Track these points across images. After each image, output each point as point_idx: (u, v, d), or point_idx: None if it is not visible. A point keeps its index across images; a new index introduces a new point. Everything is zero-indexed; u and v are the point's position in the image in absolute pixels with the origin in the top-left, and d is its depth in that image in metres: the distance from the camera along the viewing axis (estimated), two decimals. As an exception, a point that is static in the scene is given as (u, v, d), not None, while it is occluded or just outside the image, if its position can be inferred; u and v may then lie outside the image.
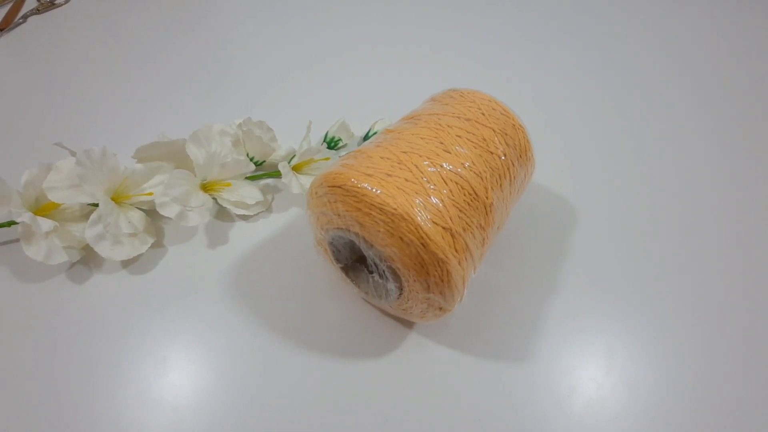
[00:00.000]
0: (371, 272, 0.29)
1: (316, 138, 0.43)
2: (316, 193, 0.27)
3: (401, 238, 0.24)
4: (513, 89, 0.51)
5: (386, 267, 0.26)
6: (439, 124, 0.28)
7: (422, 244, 0.23)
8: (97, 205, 0.33)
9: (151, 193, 0.35)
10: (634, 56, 0.56)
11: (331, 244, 0.29)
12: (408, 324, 0.32)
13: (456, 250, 0.24)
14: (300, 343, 0.31)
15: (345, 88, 0.51)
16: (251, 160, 0.39)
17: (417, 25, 0.60)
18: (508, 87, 0.51)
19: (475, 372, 0.30)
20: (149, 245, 0.35)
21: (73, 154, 0.34)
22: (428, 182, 0.25)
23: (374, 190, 0.24)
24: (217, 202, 0.37)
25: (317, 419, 0.28)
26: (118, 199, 0.35)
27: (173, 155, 0.37)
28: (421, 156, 0.26)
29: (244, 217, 0.38)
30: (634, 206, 0.39)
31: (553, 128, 0.46)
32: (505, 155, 0.28)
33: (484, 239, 0.27)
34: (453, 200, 0.25)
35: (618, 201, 0.40)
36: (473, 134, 0.28)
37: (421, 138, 0.27)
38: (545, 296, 0.33)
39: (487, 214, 0.26)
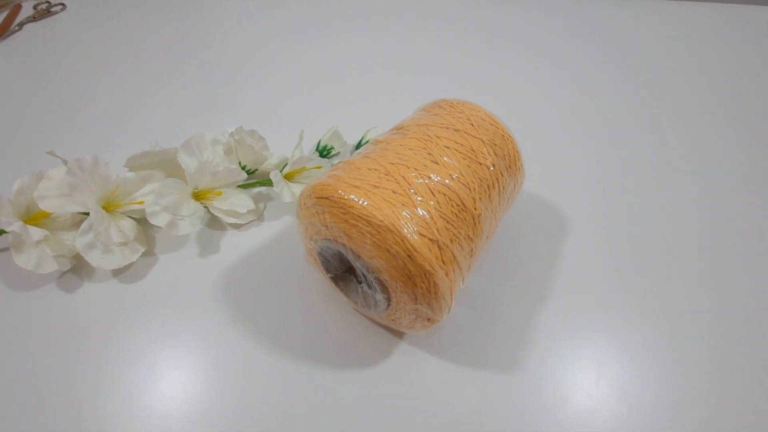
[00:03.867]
0: (360, 283, 0.29)
1: (309, 146, 0.44)
2: (304, 203, 0.27)
3: (388, 249, 0.24)
4: (503, 100, 0.51)
5: (374, 278, 0.26)
6: (428, 135, 0.28)
7: (408, 255, 0.23)
8: (88, 213, 0.33)
9: (142, 202, 0.35)
10: (624, 65, 0.56)
11: (320, 254, 0.29)
12: (398, 333, 0.32)
13: (443, 262, 0.24)
14: (290, 352, 0.31)
15: (337, 97, 0.51)
16: (243, 168, 0.39)
17: (409, 35, 0.61)
18: (498, 97, 0.51)
19: (464, 381, 0.30)
20: (140, 254, 0.35)
21: (64, 162, 0.34)
22: (415, 194, 0.25)
23: (361, 201, 0.24)
24: (208, 211, 0.37)
25: (306, 428, 0.28)
26: (109, 207, 0.35)
27: (165, 164, 0.37)
28: (408, 167, 0.26)
29: (236, 226, 0.38)
30: (624, 215, 0.39)
31: (543, 138, 0.46)
32: (493, 166, 0.29)
33: (472, 250, 0.27)
34: (440, 212, 0.25)
35: (608, 210, 0.40)
36: (462, 145, 0.28)
37: (409, 149, 0.27)
38: (535, 305, 0.33)
39: (475, 224, 0.26)
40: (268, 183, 0.39)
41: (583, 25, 0.63)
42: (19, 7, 0.64)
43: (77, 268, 0.35)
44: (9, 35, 0.59)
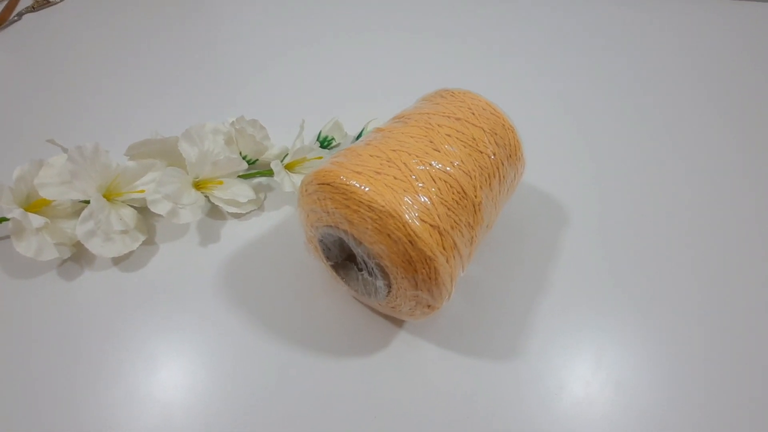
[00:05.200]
0: (360, 270, 0.29)
1: (310, 137, 0.44)
2: (306, 190, 0.27)
3: (389, 235, 0.24)
4: (504, 89, 0.51)
5: (375, 264, 0.26)
6: (429, 123, 0.28)
7: (410, 241, 0.23)
8: (88, 201, 0.33)
9: (143, 191, 0.35)
10: (624, 56, 0.56)
11: (321, 241, 0.29)
12: (397, 322, 0.32)
13: (444, 248, 0.24)
14: (290, 340, 0.31)
15: (338, 88, 0.51)
16: (244, 158, 0.39)
17: (410, 26, 0.61)
18: (499, 87, 0.51)
19: (463, 370, 0.30)
20: (140, 242, 0.35)
21: (65, 150, 0.34)
22: (417, 180, 0.25)
23: (363, 187, 0.24)
24: (209, 200, 0.37)
25: (307, 417, 0.28)
26: (109, 196, 0.35)
27: (166, 153, 0.37)
28: (410, 154, 0.26)
29: (236, 215, 0.38)
30: (624, 206, 0.40)
31: (543, 128, 0.46)
32: (494, 154, 0.29)
33: (472, 237, 0.27)
34: (441, 198, 0.25)
35: (608, 200, 0.40)
36: (463, 133, 0.28)
37: (411, 137, 0.27)
38: (534, 295, 0.34)
39: (475, 212, 0.27)
40: (269, 173, 0.39)
41: (585, 18, 0.63)
42: (18, -3, 0.64)
43: (77, 256, 0.35)
44: (8, 25, 0.59)
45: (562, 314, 0.33)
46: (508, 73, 0.54)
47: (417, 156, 0.26)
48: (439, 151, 0.27)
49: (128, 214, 0.35)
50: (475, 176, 0.27)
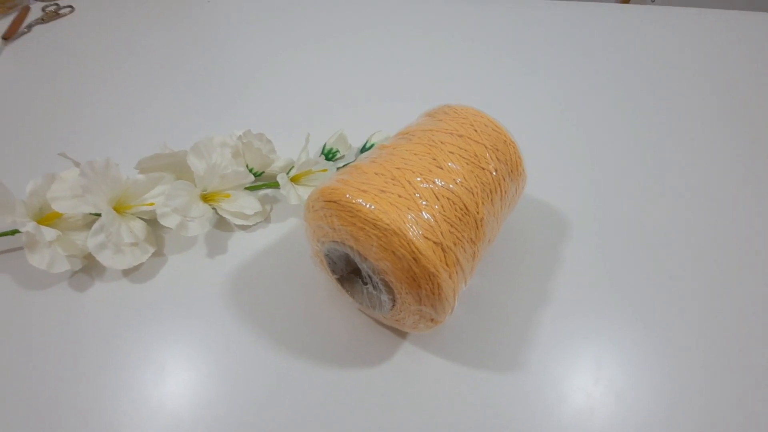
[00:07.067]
0: (366, 284, 0.29)
1: (315, 149, 0.44)
2: (312, 206, 0.28)
3: (394, 252, 0.24)
4: (506, 104, 0.52)
5: (380, 279, 0.27)
6: (432, 141, 0.29)
7: (414, 258, 0.24)
8: (99, 214, 0.34)
9: (152, 203, 0.36)
10: (624, 70, 0.57)
11: (327, 255, 0.30)
12: (401, 334, 0.33)
13: (447, 264, 0.25)
14: (296, 351, 0.32)
15: (343, 101, 0.52)
16: (250, 171, 0.40)
17: (414, 41, 0.61)
18: (501, 102, 0.52)
19: (466, 382, 0.30)
20: (150, 254, 0.35)
21: (76, 164, 0.35)
22: (420, 198, 0.25)
23: (368, 205, 0.25)
24: (216, 213, 0.38)
25: (311, 427, 0.28)
26: (120, 209, 0.35)
27: (175, 166, 0.37)
28: (414, 172, 0.27)
29: (243, 227, 0.39)
30: (623, 219, 0.40)
31: (544, 141, 0.47)
32: (496, 170, 0.29)
33: (474, 253, 0.27)
34: (444, 215, 0.25)
35: (608, 213, 0.40)
36: (465, 150, 0.29)
37: (415, 154, 0.28)
38: (536, 307, 0.34)
39: (477, 228, 0.27)
40: (275, 185, 0.40)
41: (587, 31, 0.63)
42: (27, 8, 0.65)
43: (88, 268, 0.36)
44: (18, 37, 0.60)
45: (564, 326, 0.33)
46: (510, 87, 0.54)
47: (421, 174, 0.26)
48: (442, 169, 0.27)
49: (138, 227, 0.35)
50: (477, 193, 0.27)
